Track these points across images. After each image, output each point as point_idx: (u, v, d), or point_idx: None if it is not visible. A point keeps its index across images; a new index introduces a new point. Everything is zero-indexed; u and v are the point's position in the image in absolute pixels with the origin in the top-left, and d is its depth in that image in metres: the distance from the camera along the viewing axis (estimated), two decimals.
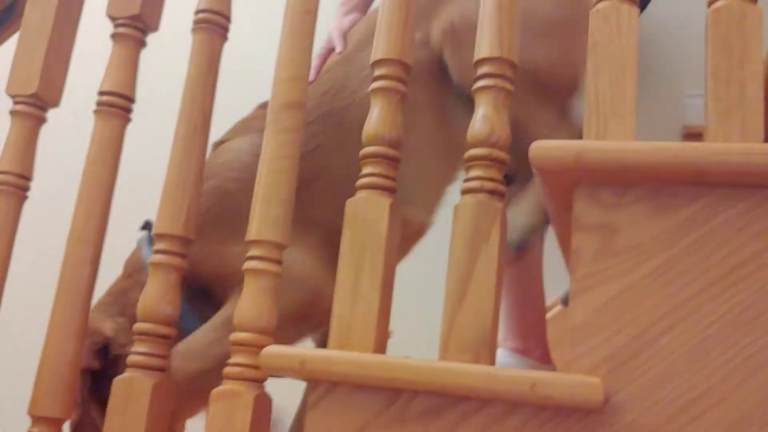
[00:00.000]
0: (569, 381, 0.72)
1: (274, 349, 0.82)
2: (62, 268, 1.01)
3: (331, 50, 1.46)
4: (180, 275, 0.97)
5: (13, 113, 1.10)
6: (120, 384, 0.92)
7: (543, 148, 0.79)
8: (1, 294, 1.06)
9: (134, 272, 1.38)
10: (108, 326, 1.30)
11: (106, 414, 0.92)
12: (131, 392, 0.92)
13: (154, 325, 0.94)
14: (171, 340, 0.95)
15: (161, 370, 0.93)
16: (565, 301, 1.70)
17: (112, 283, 1.38)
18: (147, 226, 1.44)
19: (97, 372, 1.28)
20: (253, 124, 1.42)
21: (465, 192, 0.83)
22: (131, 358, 0.93)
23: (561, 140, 0.79)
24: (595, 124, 0.82)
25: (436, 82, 1.36)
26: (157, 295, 0.94)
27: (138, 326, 0.94)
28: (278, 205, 0.93)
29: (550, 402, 0.73)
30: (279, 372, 0.83)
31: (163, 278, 0.95)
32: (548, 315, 1.57)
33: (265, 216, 0.93)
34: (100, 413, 1.25)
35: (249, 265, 0.92)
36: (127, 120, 1.08)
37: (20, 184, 1.09)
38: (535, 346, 1.49)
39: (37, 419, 0.97)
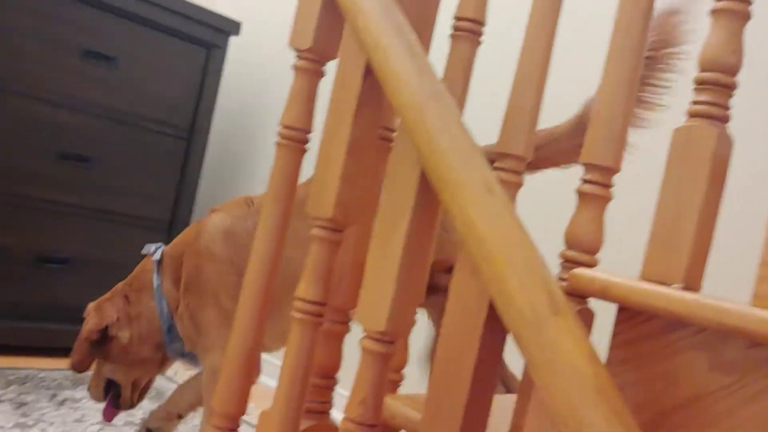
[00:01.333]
0: None
1: None
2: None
3: None
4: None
5: None
6: (680, 133, 0.95)
7: None
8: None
9: (134, 285, 1.96)
10: (112, 313, 1.92)
11: (667, 163, 0.95)
12: (691, 139, 0.94)
13: (716, 74, 0.93)
14: (733, 90, 0.94)
15: (722, 120, 0.93)
16: None
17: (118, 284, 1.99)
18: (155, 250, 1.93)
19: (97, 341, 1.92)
20: None
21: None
22: (692, 108, 0.94)
23: None
24: None
25: None
26: (722, 44, 0.93)
27: (700, 76, 0.95)
28: None
29: None
30: None
31: (728, 27, 0.94)
32: None
33: None
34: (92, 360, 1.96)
35: None
36: None
37: (476, 29, 1.24)
38: None
39: (591, 168, 1.04)
